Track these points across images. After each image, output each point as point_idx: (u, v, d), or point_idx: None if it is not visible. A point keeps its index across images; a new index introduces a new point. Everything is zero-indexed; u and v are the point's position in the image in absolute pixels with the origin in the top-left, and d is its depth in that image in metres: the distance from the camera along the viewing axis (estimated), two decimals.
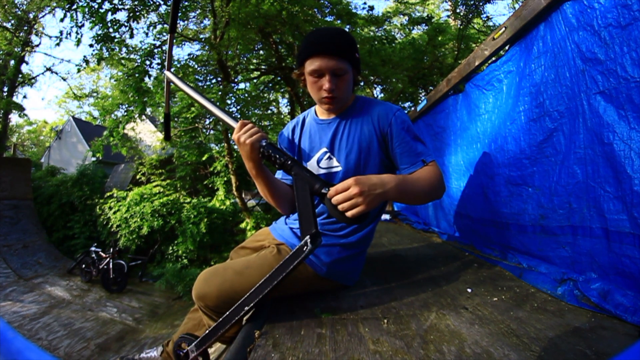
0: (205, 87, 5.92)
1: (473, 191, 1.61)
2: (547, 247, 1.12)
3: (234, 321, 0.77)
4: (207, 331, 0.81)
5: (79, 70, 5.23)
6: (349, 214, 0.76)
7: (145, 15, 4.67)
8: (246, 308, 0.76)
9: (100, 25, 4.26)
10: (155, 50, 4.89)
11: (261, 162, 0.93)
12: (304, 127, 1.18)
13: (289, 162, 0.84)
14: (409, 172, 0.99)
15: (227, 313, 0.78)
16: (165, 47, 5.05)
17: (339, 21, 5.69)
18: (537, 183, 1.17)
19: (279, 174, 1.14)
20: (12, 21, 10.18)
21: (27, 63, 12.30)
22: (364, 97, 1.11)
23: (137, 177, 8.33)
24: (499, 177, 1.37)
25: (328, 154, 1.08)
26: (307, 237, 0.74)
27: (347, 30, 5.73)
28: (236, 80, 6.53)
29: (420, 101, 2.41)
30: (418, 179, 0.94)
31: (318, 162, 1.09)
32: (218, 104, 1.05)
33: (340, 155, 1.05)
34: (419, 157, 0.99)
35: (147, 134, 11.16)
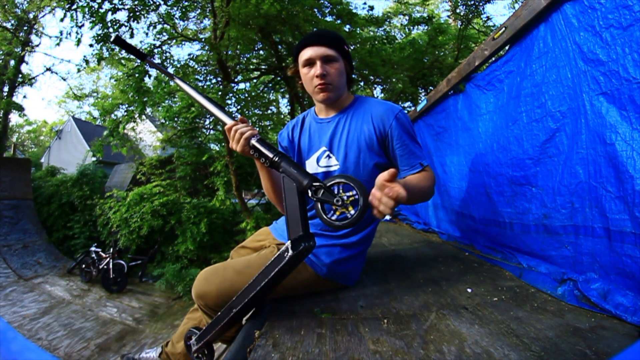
0: (205, 87, 5.91)
1: (476, 191, 1.61)
2: (550, 247, 1.12)
3: (225, 322, 0.77)
4: (204, 328, 0.82)
5: (79, 70, 5.25)
6: (381, 208, 0.67)
7: (145, 15, 4.66)
8: (234, 310, 0.75)
9: (100, 25, 4.25)
10: (155, 50, 4.89)
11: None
12: (303, 126, 1.19)
13: (276, 159, 0.77)
14: (408, 174, 1.00)
15: (219, 313, 0.78)
16: (166, 48, 5.06)
17: (339, 21, 5.68)
18: (540, 183, 1.17)
19: None
20: (12, 21, 10.17)
21: (27, 63, 12.33)
22: (363, 97, 1.12)
23: (137, 177, 8.31)
24: (502, 177, 1.37)
25: (327, 153, 1.08)
26: (288, 242, 0.67)
27: (346, 29, 5.73)
28: (236, 80, 6.52)
29: (420, 101, 2.41)
30: (418, 183, 0.94)
31: (317, 160, 1.09)
32: (211, 99, 0.98)
33: (339, 153, 1.06)
34: (417, 160, 1.00)
35: (147, 134, 11.15)
